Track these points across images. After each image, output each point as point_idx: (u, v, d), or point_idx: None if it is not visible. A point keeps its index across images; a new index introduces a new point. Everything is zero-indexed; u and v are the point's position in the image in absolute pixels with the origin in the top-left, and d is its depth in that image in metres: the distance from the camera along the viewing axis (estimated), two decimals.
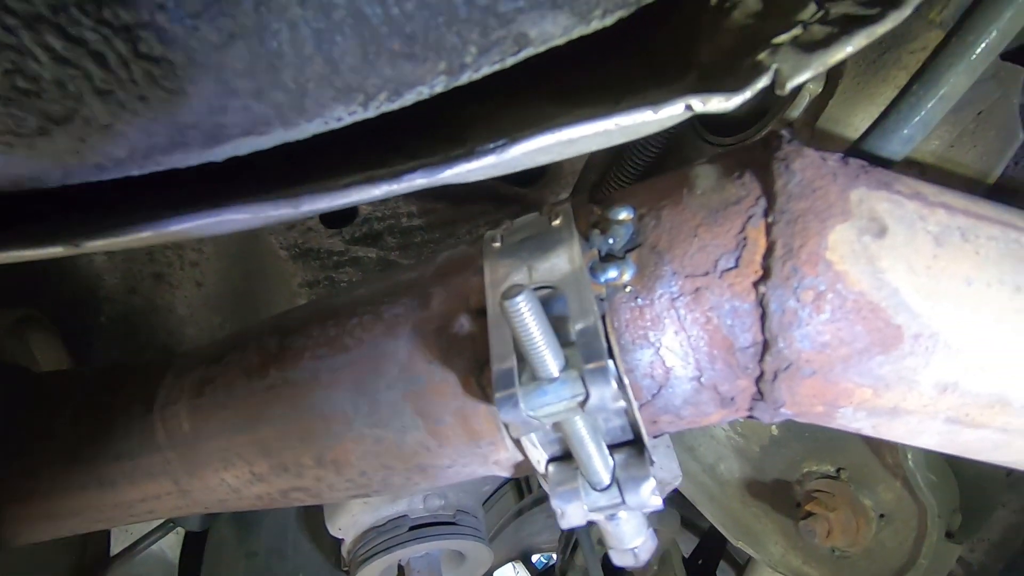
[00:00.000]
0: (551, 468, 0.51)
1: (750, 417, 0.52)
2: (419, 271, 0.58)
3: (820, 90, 0.93)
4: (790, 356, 0.44)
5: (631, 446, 0.50)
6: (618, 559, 0.53)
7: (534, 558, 2.54)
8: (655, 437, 0.55)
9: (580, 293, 0.47)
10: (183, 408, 0.67)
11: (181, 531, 1.69)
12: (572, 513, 0.49)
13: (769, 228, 0.44)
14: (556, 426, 0.49)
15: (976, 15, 0.50)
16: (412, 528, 1.25)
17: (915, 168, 0.80)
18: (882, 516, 0.98)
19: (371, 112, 0.41)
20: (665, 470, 1.04)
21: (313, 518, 1.63)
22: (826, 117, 0.90)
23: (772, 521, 1.14)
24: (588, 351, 0.43)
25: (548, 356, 0.42)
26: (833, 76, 0.92)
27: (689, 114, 0.42)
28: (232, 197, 0.43)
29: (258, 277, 1.26)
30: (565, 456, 0.51)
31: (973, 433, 0.50)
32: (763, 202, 0.45)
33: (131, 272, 1.27)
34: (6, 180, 0.37)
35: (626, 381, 0.45)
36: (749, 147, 0.50)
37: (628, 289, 0.48)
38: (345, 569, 1.35)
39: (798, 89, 0.92)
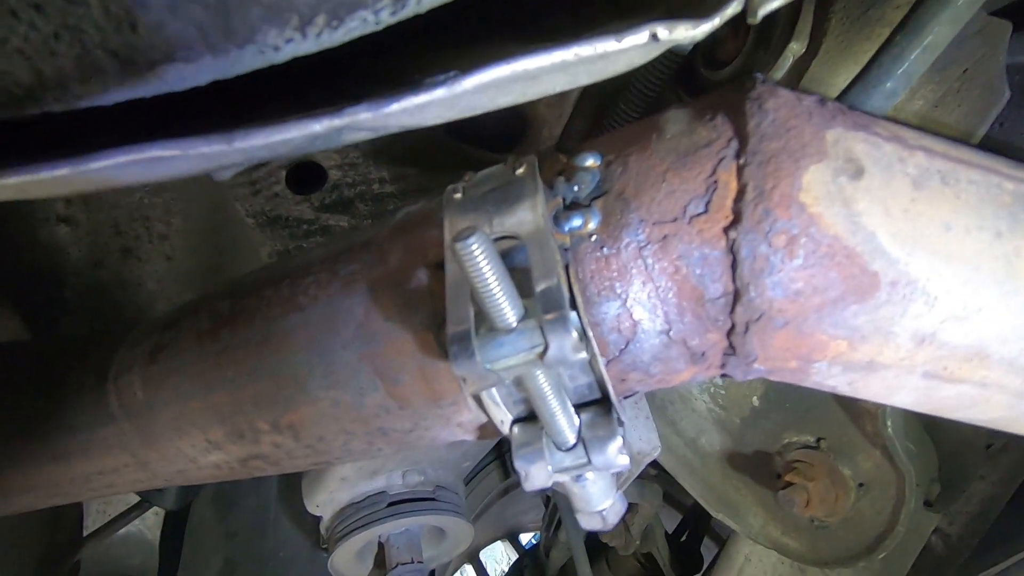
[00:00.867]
0: (515, 429, 0.49)
1: (723, 375, 0.50)
2: (377, 228, 0.55)
3: (803, 50, 0.90)
4: (761, 306, 0.42)
5: (598, 405, 0.48)
6: (586, 522, 0.51)
7: (523, 539, 2.55)
8: (625, 397, 0.53)
9: (542, 242, 0.44)
10: (136, 376, 0.64)
11: (161, 512, 1.67)
12: (536, 474, 0.47)
13: (740, 170, 0.42)
14: (520, 385, 0.47)
15: None
16: (391, 504, 1.24)
17: None
18: (861, 485, 0.98)
19: (311, 42, 0.38)
20: (644, 440, 1.02)
21: (293, 496, 1.61)
22: (809, 77, 0.87)
23: (752, 493, 1.13)
24: (548, 301, 0.40)
25: (505, 305, 0.40)
26: (816, 35, 0.89)
27: (655, 46, 0.39)
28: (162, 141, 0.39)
29: (229, 250, 1.22)
30: (530, 417, 0.49)
31: (951, 388, 0.48)
32: (735, 143, 0.42)
33: (97, 245, 1.23)
34: None
35: (590, 334, 0.43)
36: (721, 91, 0.48)
37: (593, 238, 0.45)
38: (324, 547, 1.33)
39: (781, 49, 0.90)
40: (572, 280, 0.44)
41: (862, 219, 0.41)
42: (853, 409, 0.97)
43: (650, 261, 0.44)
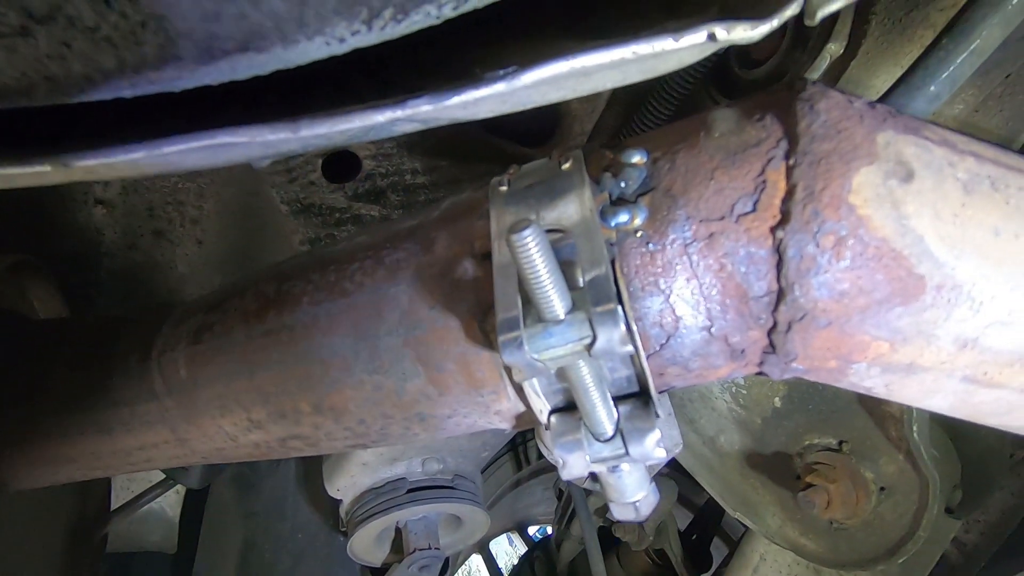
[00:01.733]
0: (553, 419, 0.50)
1: (760, 373, 0.50)
2: (422, 217, 0.56)
3: (841, 51, 0.89)
4: (806, 305, 0.43)
5: (636, 398, 0.49)
6: (619, 512, 0.52)
7: (531, 530, 2.57)
8: (661, 392, 0.54)
9: (590, 237, 0.45)
10: (181, 355, 0.66)
11: (182, 491, 1.71)
12: (574, 463, 0.48)
13: (790, 170, 0.42)
14: (560, 375, 0.48)
15: None
16: (410, 491, 1.26)
17: None
18: (883, 489, 0.98)
19: (375, 34, 0.39)
20: (667, 437, 1.03)
21: (312, 479, 1.64)
22: (847, 79, 0.87)
23: (771, 493, 1.14)
24: (597, 293, 0.41)
25: (555, 296, 0.40)
26: (856, 37, 0.88)
27: (712, 45, 0.40)
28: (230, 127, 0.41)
29: (259, 235, 1.24)
30: (568, 407, 0.50)
31: (989, 394, 0.48)
32: (784, 143, 0.43)
33: (131, 228, 1.26)
34: None
35: (634, 327, 0.44)
36: (771, 90, 0.48)
37: (639, 234, 0.46)
38: (343, 530, 1.36)
39: (818, 49, 0.89)
40: (618, 275, 0.45)
41: (911, 222, 0.41)
42: (877, 413, 0.97)
43: (695, 258, 0.44)
